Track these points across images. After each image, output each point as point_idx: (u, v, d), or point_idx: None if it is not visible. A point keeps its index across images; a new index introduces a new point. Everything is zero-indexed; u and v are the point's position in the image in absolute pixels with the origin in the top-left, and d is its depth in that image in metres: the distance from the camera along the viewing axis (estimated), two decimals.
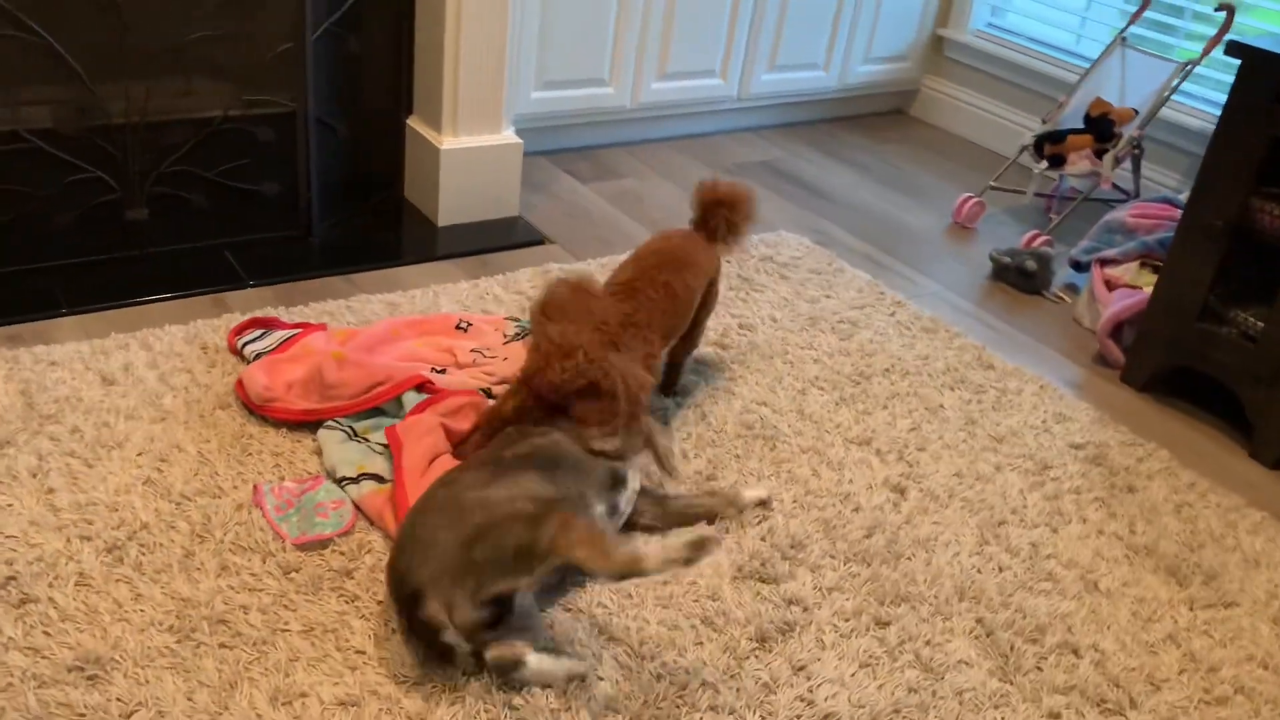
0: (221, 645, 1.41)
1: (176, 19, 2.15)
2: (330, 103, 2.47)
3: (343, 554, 1.58)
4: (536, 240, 2.66)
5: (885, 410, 2.13)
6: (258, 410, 1.83)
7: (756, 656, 1.51)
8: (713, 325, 2.32)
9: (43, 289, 2.11)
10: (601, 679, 1.43)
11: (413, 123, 2.64)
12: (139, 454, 1.72)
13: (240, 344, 1.99)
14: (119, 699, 1.32)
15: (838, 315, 2.46)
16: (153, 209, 2.30)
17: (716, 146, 3.43)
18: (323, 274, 2.35)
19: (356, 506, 1.66)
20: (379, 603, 1.51)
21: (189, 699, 1.33)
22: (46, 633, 1.39)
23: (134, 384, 1.88)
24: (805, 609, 1.60)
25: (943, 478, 1.95)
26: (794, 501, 1.83)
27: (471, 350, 2.03)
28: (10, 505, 1.58)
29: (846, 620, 1.59)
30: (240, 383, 1.87)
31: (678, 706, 1.41)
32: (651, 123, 3.34)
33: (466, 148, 2.59)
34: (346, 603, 1.50)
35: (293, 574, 1.53)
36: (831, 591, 1.64)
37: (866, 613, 1.61)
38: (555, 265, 2.50)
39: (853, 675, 1.50)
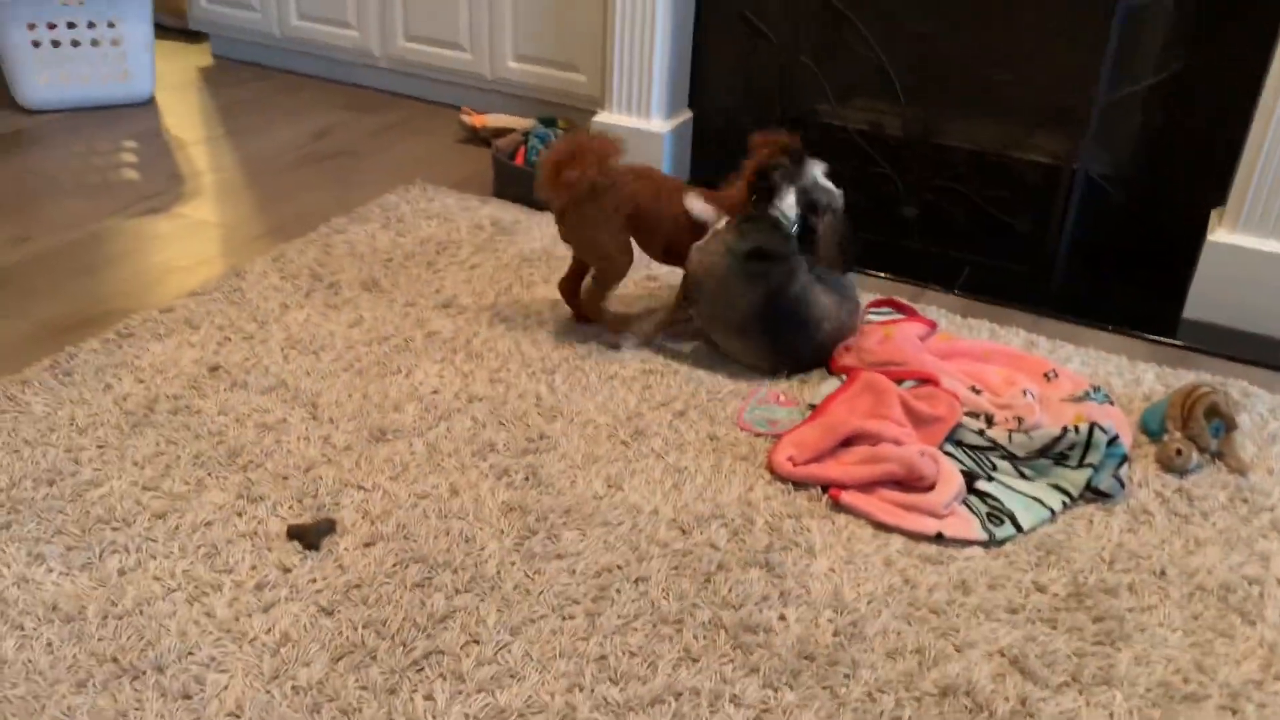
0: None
1: (982, 59, 2.55)
2: (1119, 165, 2.57)
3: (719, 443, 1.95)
4: (1277, 367, 2.34)
5: None
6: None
7: None
8: None
9: None
10: None
11: (1215, 213, 2.54)
12: None
13: (869, 311, 2.38)
14: None
15: None
16: (921, 211, 2.76)
17: None
18: (1026, 309, 2.52)
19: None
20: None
21: None
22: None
23: None
24: None
25: None
26: None
27: (1024, 390, 2.07)
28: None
29: None
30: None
31: None
32: None
33: (1240, 246, 2.41)
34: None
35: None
36: None
37: None
38: (1258, 391, 2.20)
39: None
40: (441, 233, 2.70)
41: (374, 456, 1.87)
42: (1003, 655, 1.54)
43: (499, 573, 1.64)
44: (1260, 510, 1.85)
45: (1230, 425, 1.97)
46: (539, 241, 2.68)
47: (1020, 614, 1.61)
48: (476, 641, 1.51)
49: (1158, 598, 1.65)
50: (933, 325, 2.31)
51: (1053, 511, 1.81)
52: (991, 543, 1.75)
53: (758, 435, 1.98)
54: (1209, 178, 2.54)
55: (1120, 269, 2.69)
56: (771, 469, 1.88)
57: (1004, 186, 2.67)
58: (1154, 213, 2.63)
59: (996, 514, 1.79)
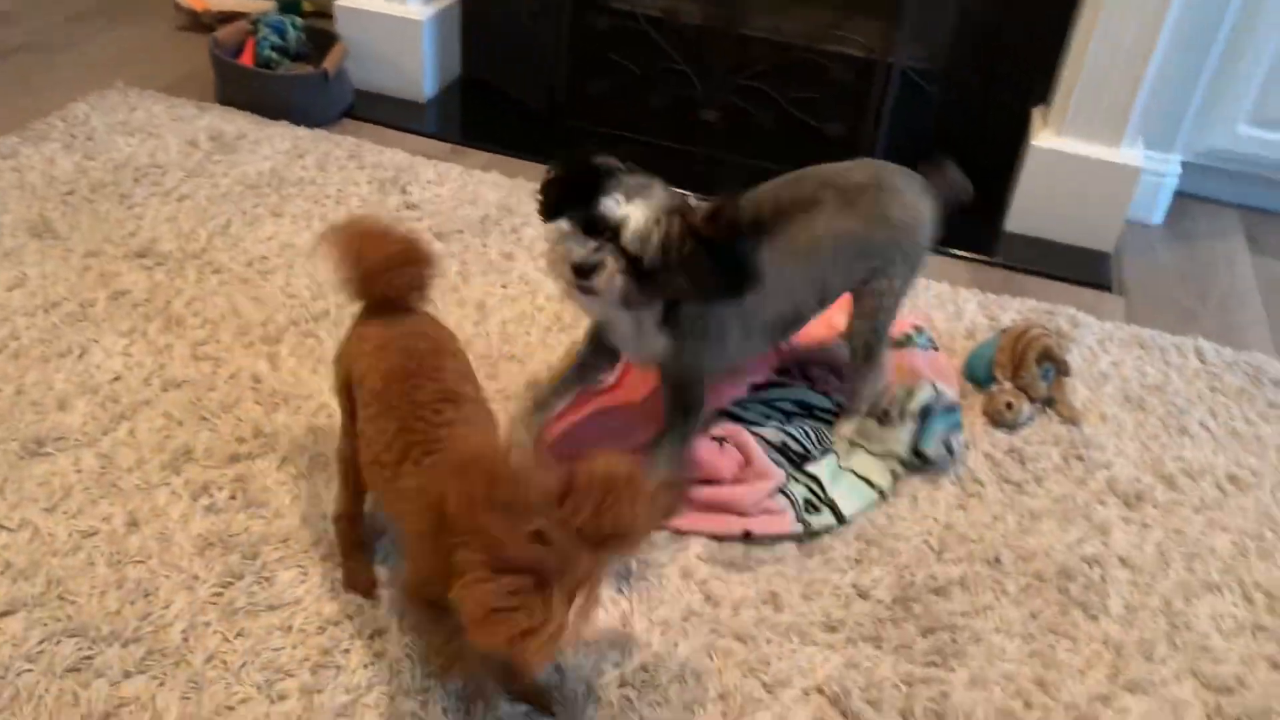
0: None
1: None
2: (937, 59, 2.29)
3: None
4: (1102, 285, 2.15)
5: None
6: None
7: None
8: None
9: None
10: None
11: (1037, 112, 2.29)
12: None
13: None
14: None
15: None
16: (724, 115, 2.42)
17: None
18: None
19: None
20: None
21: None
22: None
23: None
24: None
25: None
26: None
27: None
28: None
29: None
30: None
31: None
32: None
33: (1064, 152, 2.18)
34: None
35: None
36: None
37: None
38: (1087, 319, 2.00)
39: None
40: (143, 153, 2.17)
41: (24, 480, 1.43)
42: (821, 693, 1.28)
43: (187, 640, 1.25)
44: (1095, 469, 1.65)
45: (1064, 370, 1.75)
46: (268, 161, 2.19)
47: (839, 632, 1.35)
48: None
49: (993, 594, 1.43)
50: None
51: (882, 493, 1.55)
52: (806, 534, 1.48)
53: None
54: (1034, 73, 2.28)
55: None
56: None
57: (813, 85, 2.34)
58: (975, 113, 2.36)
59: (814, 500, 1.52)
